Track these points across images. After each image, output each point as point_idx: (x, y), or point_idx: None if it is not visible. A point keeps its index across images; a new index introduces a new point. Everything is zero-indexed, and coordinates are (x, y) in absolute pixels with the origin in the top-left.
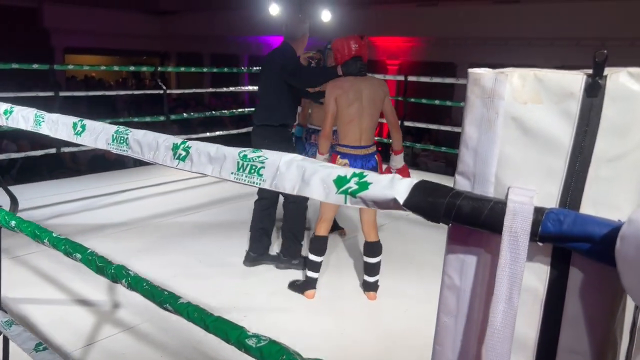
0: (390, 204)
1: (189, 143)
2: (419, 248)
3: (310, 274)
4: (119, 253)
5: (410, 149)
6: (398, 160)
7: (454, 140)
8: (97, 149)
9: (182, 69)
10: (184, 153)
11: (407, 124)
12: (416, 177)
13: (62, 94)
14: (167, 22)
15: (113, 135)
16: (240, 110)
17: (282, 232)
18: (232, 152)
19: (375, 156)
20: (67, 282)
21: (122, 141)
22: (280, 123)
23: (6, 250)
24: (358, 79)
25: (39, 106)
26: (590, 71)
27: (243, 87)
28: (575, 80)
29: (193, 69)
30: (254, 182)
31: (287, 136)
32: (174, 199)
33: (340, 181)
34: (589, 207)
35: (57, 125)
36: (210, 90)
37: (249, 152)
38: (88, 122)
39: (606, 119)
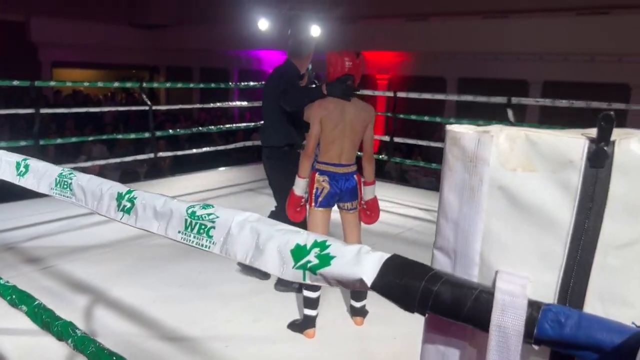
0: (356, 284)
1: (135, 193)
2: None
3: (307, 312)
4: (99, 276)
5: (399, 165)
6: (369, 192)
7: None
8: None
9: (168, 84)
10: (128, 204)
11: (396, 139)
12: (406, 194)
13: (42, 111)
14: (156, 36)
15: (56, 179)
16: (228, 125)
17: None
18: (180, 208)
19: (355, 176)
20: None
21: (65, 186)
22: (285, 143)
23: None
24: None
25: (21, 123)
26: (593, 133)
27: (232, 103)
28: (575, 145)
29: (180, 85)
30: (202, 245)
31: (293, 157)
32: None
33: (299, 252)
34: (595, 302)
35: (0, 163)
36: (198, 106)
37: (198, 209)
38: (32, 162)
39: (615, 196)
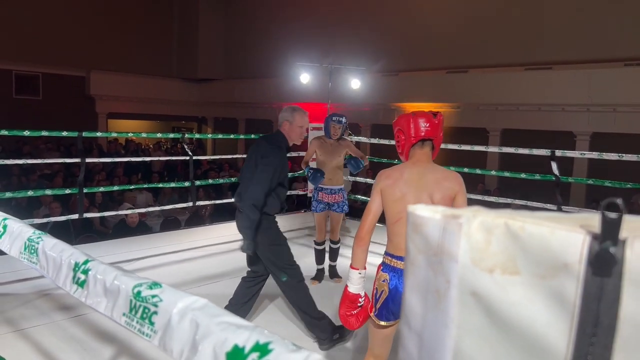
0: None
1: (90, 264)
2: None
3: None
4: None
5: None
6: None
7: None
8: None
9: (210, 135)
10: (82, 277)
11: None
12: None
13: (88, 160)
14: (204, 89)
15: (25, 244)
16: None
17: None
18: (127, 286)
19: None
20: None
21: (32, 251)
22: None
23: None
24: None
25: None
26: (595, 227)
27: None
28: (571, 242)
29: (220, 136)
30: (144, 334)
31: (269, 224)
32: (193, 267)
33: (235, 356)
34: None
35: None
36: (238, 156)
37: (145, 288)
38: (10, 223)
39: (629, 320)
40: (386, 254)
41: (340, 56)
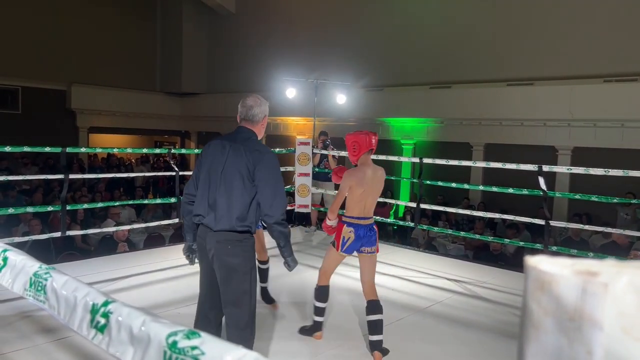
0: None
1: (111, 306)
2: (442, 351)
3: (317, 318)
4: None
5: (426, 232)
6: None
7: (472, 221)
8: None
9: (196, 150)
10: (102, 321)
11: (423, 206)
12: (435, 263)
13: (72, 176)
14: (188, 104)
15: (31, 279)
16: None
17: None
18: (160, 334)
19: (374, 226)
20: None
21: (40, 288)
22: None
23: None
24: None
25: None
26: None
27: None
28: None
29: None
30: None
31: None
32: (179, 285)
33: None
34: None
35: None
36: None
37: (181, 337)
38: (11, 255)
39: None
40: (347, 217)
41: (325, 71)
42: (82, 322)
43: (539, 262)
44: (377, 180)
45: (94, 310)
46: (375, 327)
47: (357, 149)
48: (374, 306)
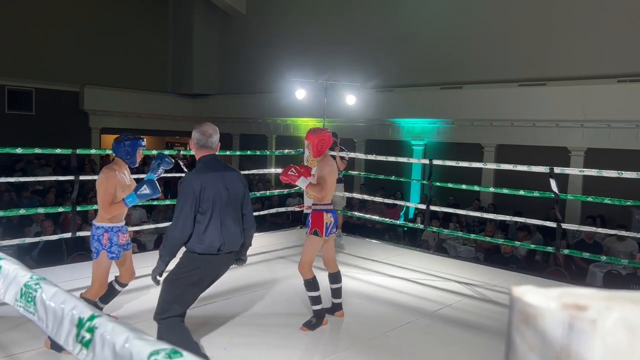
0: None
1: (97, 321)
2: (450, 356)
3: (316, 307)
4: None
5: (436, 234)
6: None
7: (483, 223)
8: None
9: None
10: (88, 336)
11: (433, 208)
12: (445, 265)
13: (82, 177)
14: (199, 105)
15: (22, 290)
16: (262, 192)
17: None
18: (142, 352)
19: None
20: None
21: (30, 299)
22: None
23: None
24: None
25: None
26: None
27: (267, 170)
28: None
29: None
30: None
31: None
32: None
33: None
34: None
35: None
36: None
37: (163, 357)
38: (4, 264)
39: None
40: (324, 204)
41: (335, 72)
42: (69, 336)
43: (524, 293)
44: (334, 169)
45: (80, 325)
46: (337, 293)
47: (324, 145)
48: (336, 276)
